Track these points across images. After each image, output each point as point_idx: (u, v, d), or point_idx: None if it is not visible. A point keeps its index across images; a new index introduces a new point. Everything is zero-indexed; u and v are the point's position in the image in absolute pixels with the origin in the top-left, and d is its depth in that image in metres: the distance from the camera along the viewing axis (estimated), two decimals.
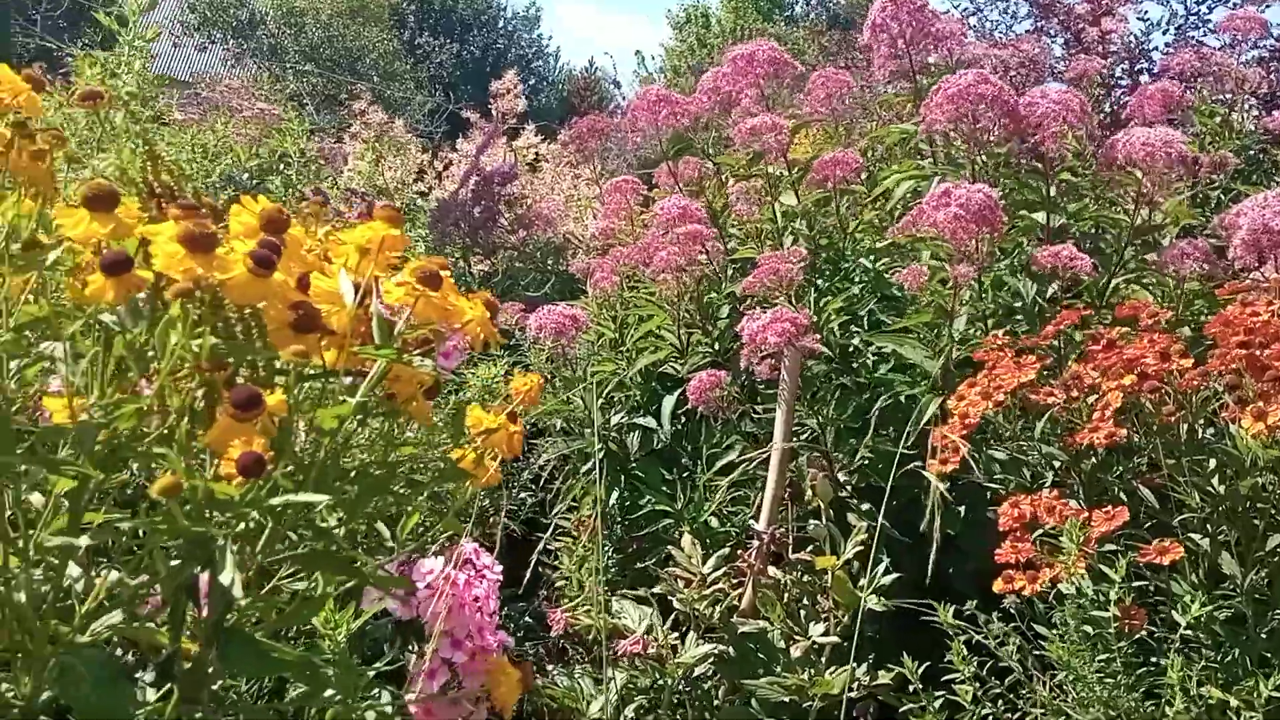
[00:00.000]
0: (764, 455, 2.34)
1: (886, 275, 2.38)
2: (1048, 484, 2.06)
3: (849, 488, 2.53)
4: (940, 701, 1.79)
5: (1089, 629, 1.65)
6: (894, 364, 2.38)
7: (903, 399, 2.27)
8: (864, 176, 2.48)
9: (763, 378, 2.34)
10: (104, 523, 0.69)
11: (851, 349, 2.45)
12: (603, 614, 2.27)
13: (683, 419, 2.74)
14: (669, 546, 2.39)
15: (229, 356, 0.62)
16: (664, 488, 2.69)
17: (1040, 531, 1.73)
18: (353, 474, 0.72)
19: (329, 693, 0.73)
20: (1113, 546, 1.72)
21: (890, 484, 2.30)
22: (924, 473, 2.09)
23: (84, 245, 0.68)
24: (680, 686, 2.22)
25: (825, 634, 2.19)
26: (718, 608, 2.29)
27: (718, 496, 2.62)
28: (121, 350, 0.65)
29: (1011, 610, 1.71)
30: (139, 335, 0.63)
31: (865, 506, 2.49)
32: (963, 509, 2.38)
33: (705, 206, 2.61)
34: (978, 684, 1.72)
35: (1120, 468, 1.99)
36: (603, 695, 2.19)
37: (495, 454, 0.84)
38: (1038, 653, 1.70)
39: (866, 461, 2.45)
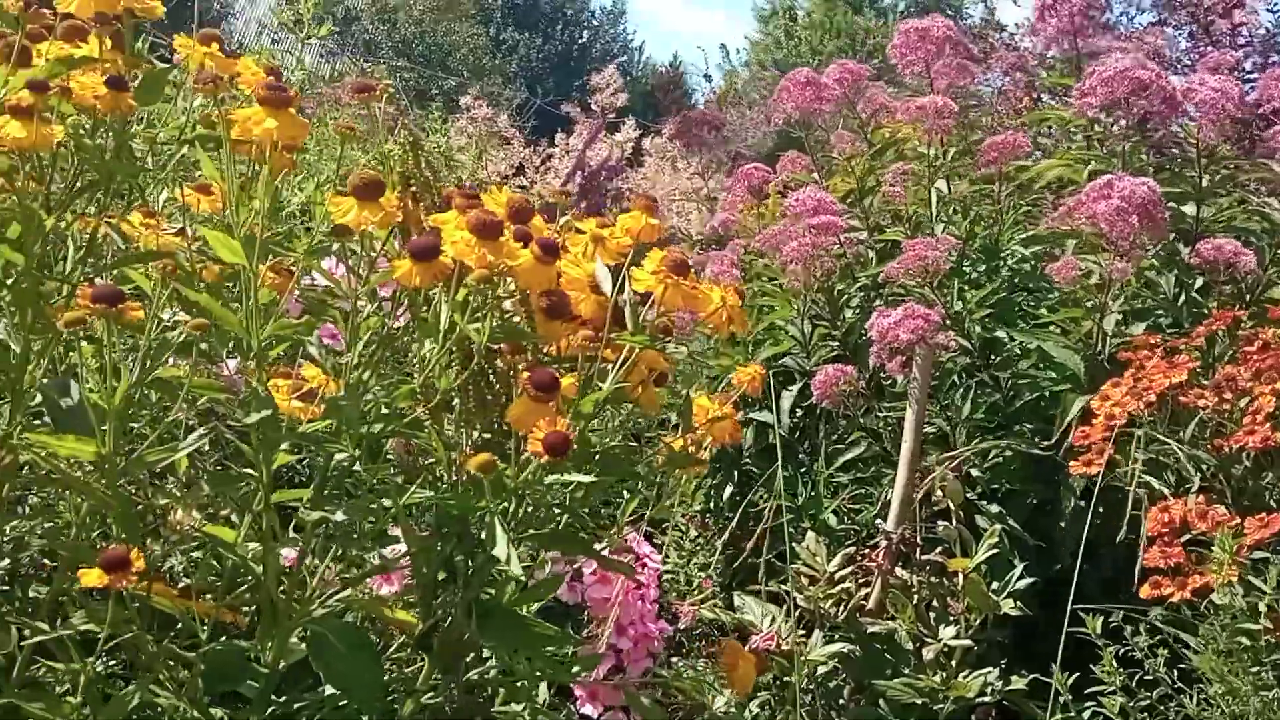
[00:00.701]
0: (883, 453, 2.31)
1: (1035, 267, 2.33)
2: (1194, 489, 2.00)
3: (978, 488, 2.48)
4: (1088, 713, 1.75)
5: (1242, 640, 1.60)
6: (1035, 360, 2.32)
7: (1044, 398, 2.22)
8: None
9: (893, 375, 2.31)
10: (365, 498, 0.70)
11: (994, 343, 2.40)
12: (714, 608, 2.27)
13: (799, 414, 2.71)
14: (785, 543, 2.37)
15: (506, 340, 0.63)
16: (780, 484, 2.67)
17: (1187, 537, 1.68)
18: (595, 456, 0.72)
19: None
20: (1262, 554, 1.66)
21: (1022, 485, 2.25)
22: (1065, 474, 2.04)
23: (355, 230, 0.69)
24: (805, 684, 2.21)
25: (956, 637, 2.15)
26: (843, 607, 2.27)
27: (839, 494, 2.59)
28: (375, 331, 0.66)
29: (1156, 621, 1.66)
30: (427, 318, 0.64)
31: (994, 509, 2.44)
32: (1100, 512, 2.32)
33: (856, 187, 2.58)
34: (1125, 696, 1.68)
35: (1271, 473, 1.92)
36: (729, 689, 2.18)
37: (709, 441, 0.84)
38: (1182, 665, 1.65)
39: (998, 462, 2.40)
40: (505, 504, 0.66)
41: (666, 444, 0.78)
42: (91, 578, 0.68)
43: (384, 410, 0.72)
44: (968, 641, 2.08)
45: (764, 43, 16.87)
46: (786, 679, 2.11)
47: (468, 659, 0.74)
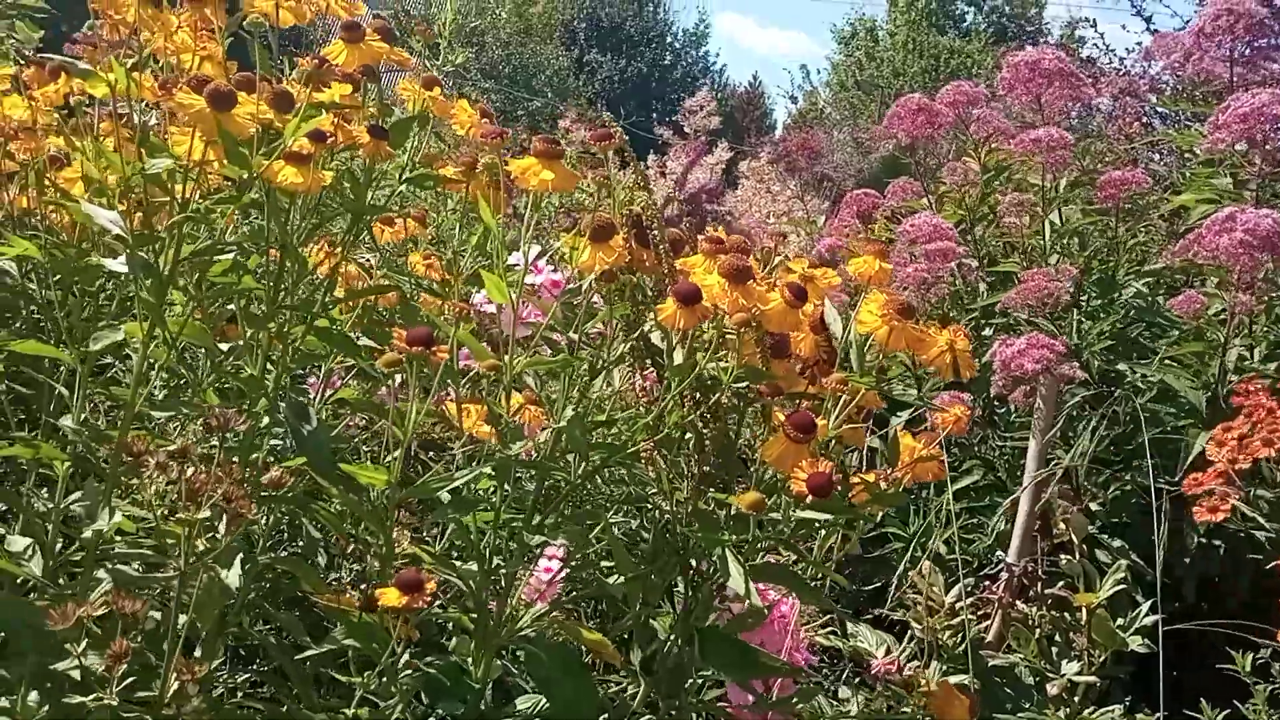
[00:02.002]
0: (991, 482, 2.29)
1: (1156, 300, 2.30)
2: None
3: (1098, 522, 2.45)
4: None
5: None
6: (1156, 394, 2.29)
7: (1166, 433, 2.19)
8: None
9: (1016, 404, 2.29)
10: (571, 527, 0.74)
11: (1113, 375, 2.37)
12: (829, 634, 2.27)
13: None
14: (895, 571, 2.36)
15: (748, 380, 0.66)
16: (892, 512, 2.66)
17: None
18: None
19: None
20: None
21: (1143, 519, 2.21)
22: (1186, 510, 2.01)
23: (586, 270, 0.73)
24: (920, 715, 2.19)
25: (1080, 673, 2.12)
26: (960, 638, 2.25)
27: (950, 523, 2.58)
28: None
29: None
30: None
31: (1116, 543, 2.40)
32: (1222, 548, 2.27)
33: (967, 215, 2.58)
34: None
35: None
36: (843, 718, 2.18)
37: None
38: None
39: (1119, 495, 2.37)
40: (742, 536, 0.69)
41: (868, 481, 0.80)
42: (390, 597, 0.73)
43: (608, 441, 0.76)
44: (1092, 678, 2.05)
45: (845, 63, 16.80)
46: (904, 709, 2.11)
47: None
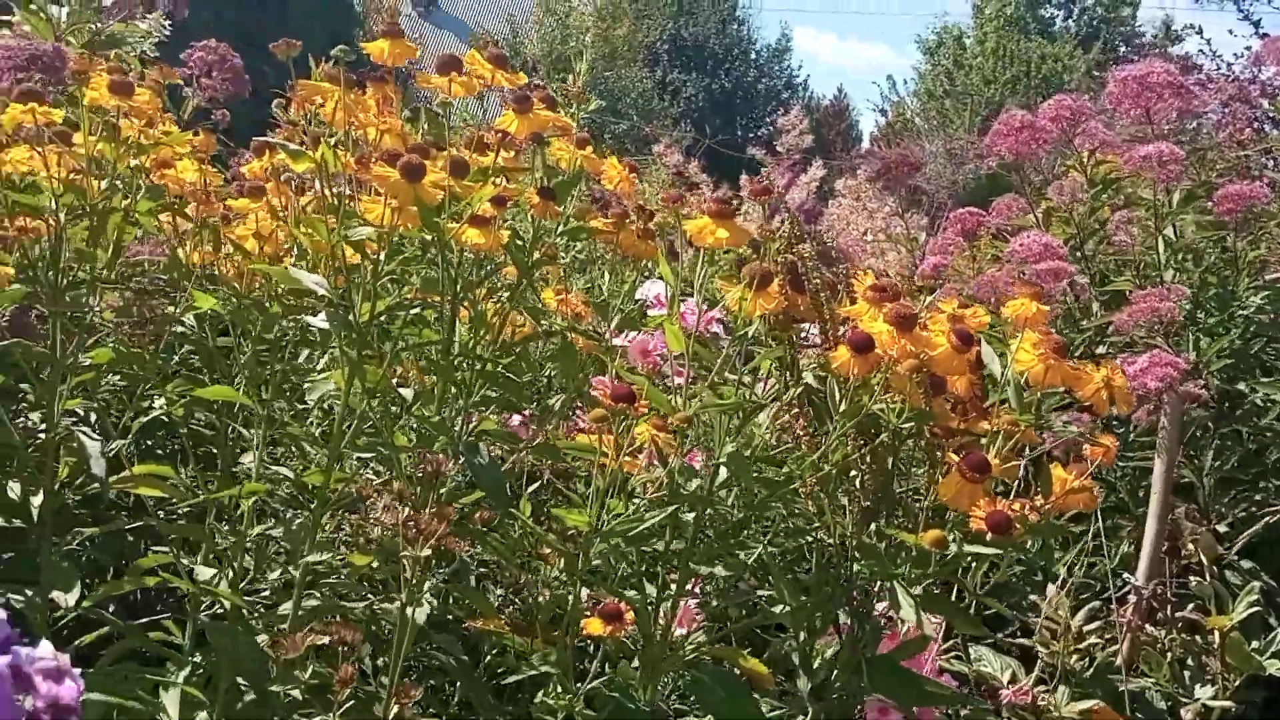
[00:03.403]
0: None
1: (1275, 316, 2.24)
2: None
3: (1227, 543, 2.39)
4: None
5: None
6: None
7: None
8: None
9: (1138, 424, 2.26)
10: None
11: (1232, 394, 2.32)
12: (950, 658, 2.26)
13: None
14: (1012, 595, 2.34)
15: (915, 421, 0.70)
16: None
17: None
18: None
19: None
20: None
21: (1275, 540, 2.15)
22: None
23: (750, 317, 0.78)
24: None
25: (1214, 697, 2.08)
26: (1088, 662, 2.22)
27: (1069, 545, 2.54)
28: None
29: None
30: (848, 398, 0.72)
31: (1246, 564, 2.34)
32: None
33: (1075, 233, 2.56)
34: None
35: None
36: None
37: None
38: None
39: (1246, 516, 2.31)
40: (913, 570, 0.73)
41: (1022, 513, 0.82)
42: (594, 626, 0.79)
43: (767, 476, 0.80)
44: (1228, 702, 2.01)
45: (932, 73, 16.57)
46: None
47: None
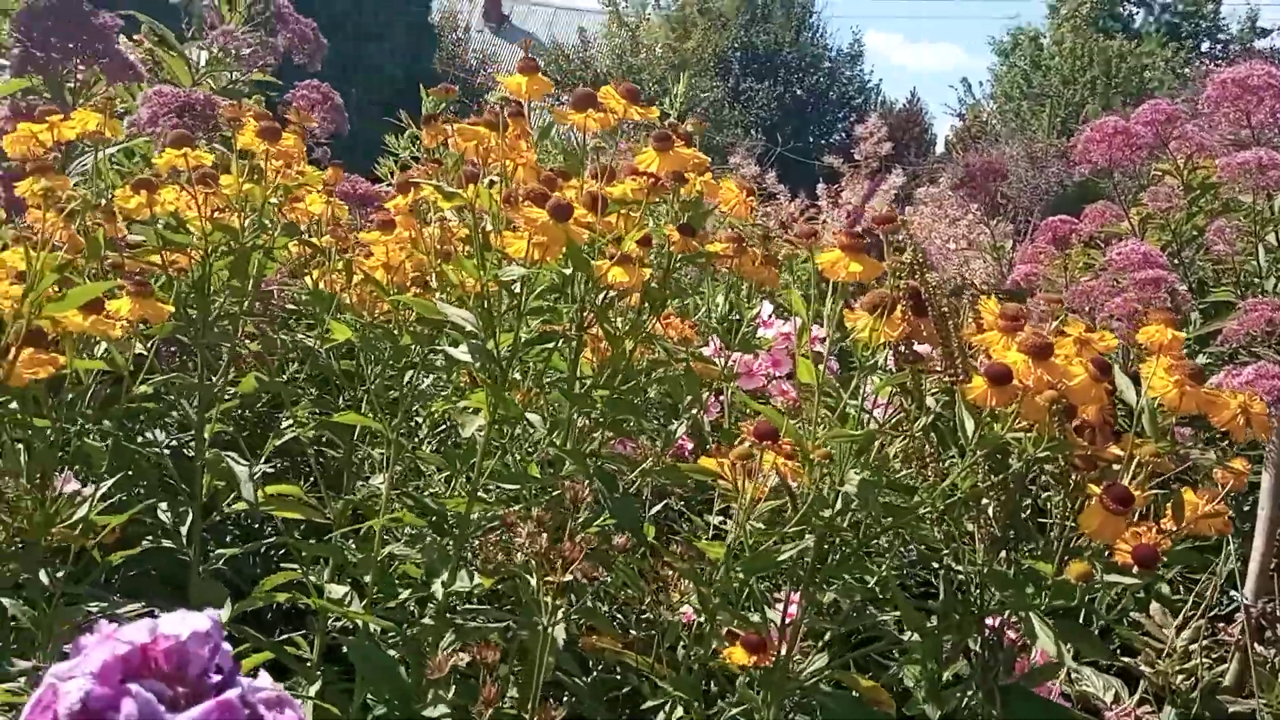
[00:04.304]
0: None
1: None
2: None
3: None
4: None
5: None
6: None
7: None
8: None
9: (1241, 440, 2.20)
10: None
11: None
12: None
13: None
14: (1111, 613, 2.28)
15: (1053, 451, 0.71)
16: None
17: None
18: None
19: None
20: None
21: None
22: None
23: (872, 343, 0.80)
24: None
25: None
26: (1194, 683, 2.17)
27: (1172, 562, 2.48)
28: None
29: None
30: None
31: None
32: None
33: (1172, 240, 2.51)
34: None
35: None
36: None
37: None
38: None
39: None
40: (1052, 600, 0.73)
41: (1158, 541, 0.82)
42: (738, 655, 0.82)
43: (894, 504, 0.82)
44: None
45: (1009, 75, 16.27)
46: None
47: None
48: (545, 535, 0.76)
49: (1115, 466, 0.79)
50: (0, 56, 1.66)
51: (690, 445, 1.63)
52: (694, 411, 1.41)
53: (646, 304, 1.00)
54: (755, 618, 0.95)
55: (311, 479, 1.35)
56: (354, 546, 1.16)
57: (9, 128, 1.24)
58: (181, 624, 0.43)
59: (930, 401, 0.90)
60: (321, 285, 1.19)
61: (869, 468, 0.89)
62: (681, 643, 1.12)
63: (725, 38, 15.25)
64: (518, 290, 0.93)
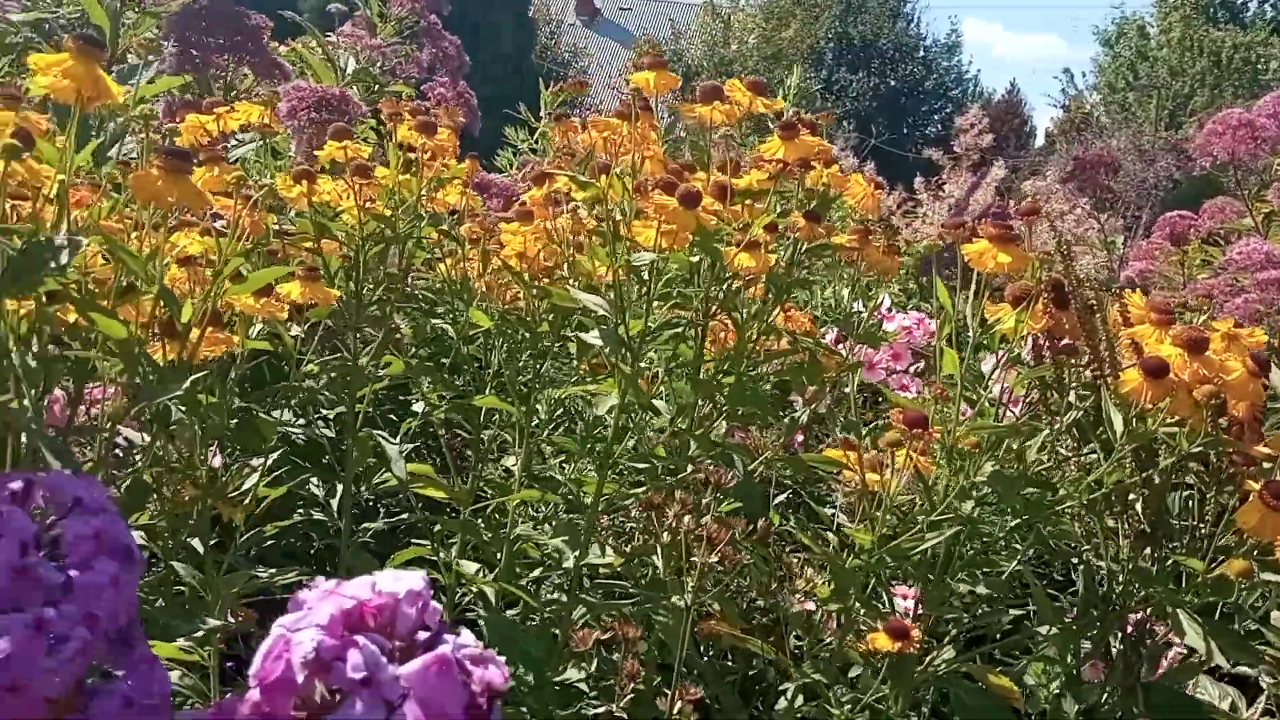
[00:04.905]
0: None
1: None
2: None
3: None
4: None
5: None
6: None
7: None
8: None
9: None
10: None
11: None
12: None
13: None
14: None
15: (1210, 448, 0.70)
16: None
17: None
18: None
19: None
20: None
21: None
22: None
23: (1011, 335, 0.80)
24: None
25: None
26: None
27: None
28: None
29: None
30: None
31: None
32: None
33: None
34: None
35: None
36: None
37: None
38: None
39: None
40: (1205, 598, 0.73)
41: None
42: (881, 642, 0.84)
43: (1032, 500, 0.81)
44: None
45: (1113, 65, 15.72)
46: None
47: None
48: (689, 515, 0.78)
49: (1266, 465, 0.78)
50: (149, 54, 1.76)
51: (800, 437, 1.64)
52: (816, 401, 1.42)
53: (770, 292, 1.02)
54: (883, 607, 0.96)
55: (440, 459, 1.40)
56: (480, 525, 1.20)
57: (167, 121, 1.32)
58: (396, 582, 0.46)
59: (1073, 397, 0.89)
60: (453, 274, 1.23)
61: (1004, 462, 0.89)
62: (794, 631, 1.13)
63: (820, 28, 15.09)
64: (647, 277, 0.96)
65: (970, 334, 0.84)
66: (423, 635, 0.47)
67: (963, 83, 17.43)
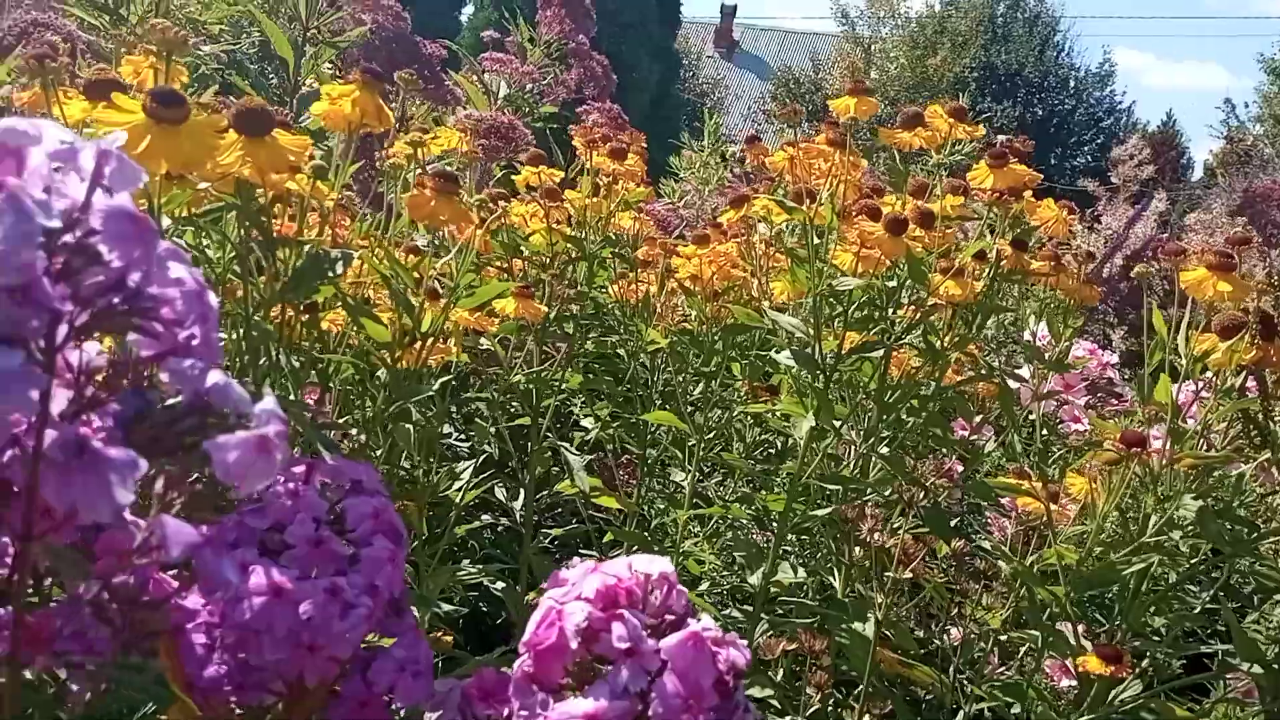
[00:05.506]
0: None
1: None
2: None
3: None
4: None
5: None
6: None
7: None
8: None
9: None
10: None
11: None
12: None
13: None
14: None
15: None
16: None
17: None
18: None
19: None
20: None
21: None
22: None
23: (1214, 366, 0.78)
24: None
25: None
26: None
27: None
28: None
29: None
30: None
31: None
32: None
33: None
34: None
35: None
36: None
37: None
38: None
39: None
40: None
41: None
42: (1093, 664, 0.84)
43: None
44: None
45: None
46: None
47: None
48: (881, 533, 0.80)
49: None
50: (319, 83, 1.89)
51: (960, 467, 1.62)
52: (978, 430, 1.41)
53: (959, 319, 1.02)
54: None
55: (607, 473, 1.44)
56: (645, 537, 1.24)
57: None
58: (650, 565, 0.50)
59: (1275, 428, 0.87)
60: (627, 295, 1.28)
61: (1203, 492, 0.87)
62: (966, 658, 1.12)
63: (965, 56, 14.80)
64: (842, 301, 0.98)
65: (1183, 361, 0.83)
66: (669, 617, 0.50)
67: (1115, 113, 16.75)
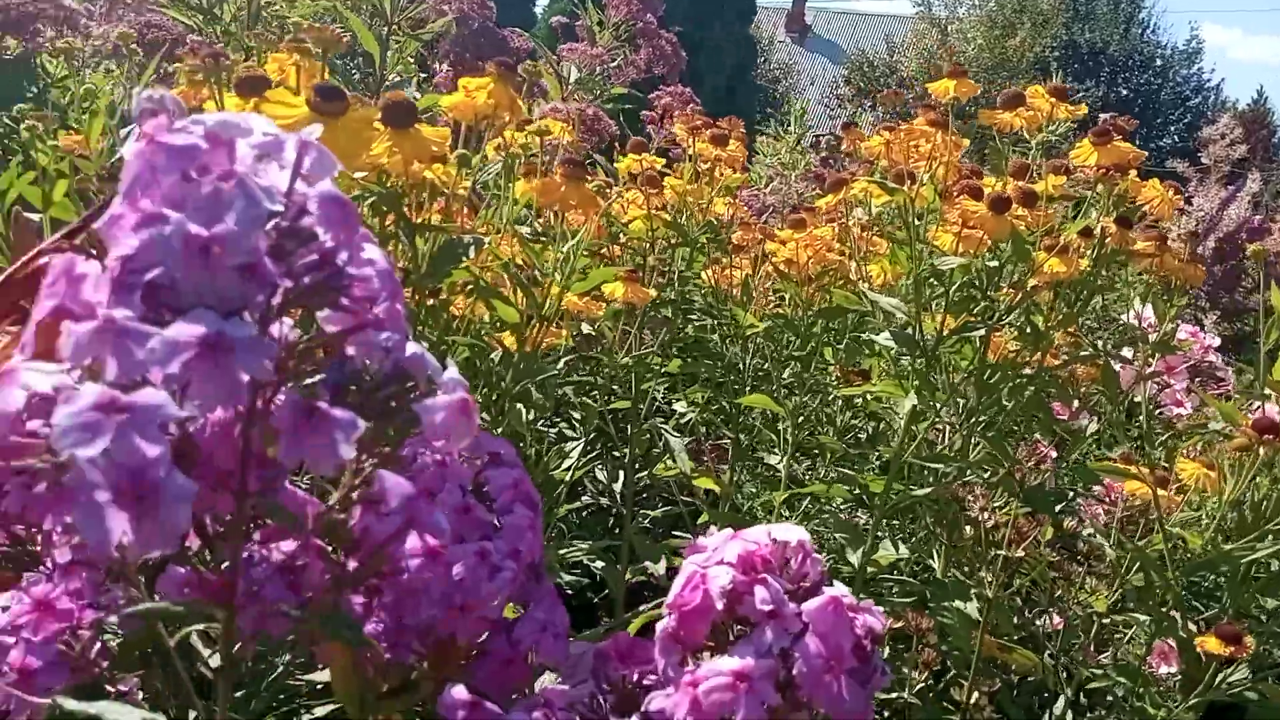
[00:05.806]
0: None
1: None
2: None
3: None
4: None
5: None
6: None
7: None
8: None
9: None
10: None
11: None
12: None
13: None
14: None
15: None
16: None
17: None
18: None
19: None
20: None
21: None
22: None
23: None
24: None
25: None
26: None
27: None
28: None
29: None
30: None
31: None
32: None
33: None
34: None
35: None
36: None
37: None
38: None
39: None
40: None
41: None
42: (1213, 645, 0.84)
43: None
44: None
45: None
46: None
47: None
48: (991, 512, 0.80)
49: None
50: (404, 75, 1.94)
51: (1054, 452, 1.61)
52: (1076, 415, 1.39)
53: (1061, 300, 1.02)
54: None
55: (702, 458, 1.46)
56: (739, 519, 1.26)
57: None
58: (789, 533, 0.52)
59: None
60: (721, 280, 1.30)
61: None
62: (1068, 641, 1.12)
63: (1046, 35, 14.43)
64: (943, 282, 0.98)
65: None
66: (805, 583, 0.52)
67: (1203, 91, 16.17)
